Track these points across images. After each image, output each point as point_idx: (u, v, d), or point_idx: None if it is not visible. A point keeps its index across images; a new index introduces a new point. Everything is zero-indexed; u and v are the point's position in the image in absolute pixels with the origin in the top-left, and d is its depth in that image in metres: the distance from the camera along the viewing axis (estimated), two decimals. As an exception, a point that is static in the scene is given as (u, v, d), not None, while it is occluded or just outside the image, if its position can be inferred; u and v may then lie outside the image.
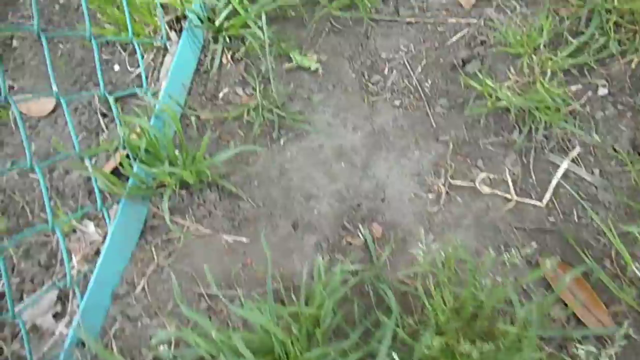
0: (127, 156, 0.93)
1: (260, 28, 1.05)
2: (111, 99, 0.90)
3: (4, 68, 1.33)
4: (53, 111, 1.19)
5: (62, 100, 0.80)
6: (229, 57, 1.16)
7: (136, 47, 0.98)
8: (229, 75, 1.13)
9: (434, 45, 1.11)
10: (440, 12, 1.15)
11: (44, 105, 1.21)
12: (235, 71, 1.14)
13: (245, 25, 1.09)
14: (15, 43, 1.39)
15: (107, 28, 1.09)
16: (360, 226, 0.90)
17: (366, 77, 1.09)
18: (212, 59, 1.15)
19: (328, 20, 1.17)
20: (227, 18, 1.11)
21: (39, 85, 1.26)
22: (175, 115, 0.89)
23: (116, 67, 1.21)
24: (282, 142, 1.02)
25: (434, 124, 1.00)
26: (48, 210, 0.72)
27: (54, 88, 0.79)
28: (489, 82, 0.97)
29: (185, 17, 1.13)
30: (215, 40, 1.16)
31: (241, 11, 1.05)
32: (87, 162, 0.81)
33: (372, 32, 1.15)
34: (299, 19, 1.18)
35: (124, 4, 0.93)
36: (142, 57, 1.09)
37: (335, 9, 1.15)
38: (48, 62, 0.78)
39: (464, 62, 1.05)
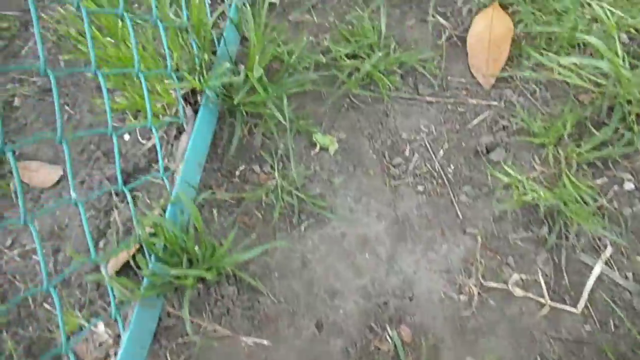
0: (140, 247, 0.84)
1: (281, 110, 0.99)
2: (128, 193, 0.82)
3: (4, 130, 1.23)
4: (58, 182, 1.10)
5: (79, 205, 0.71)
6: (245, 131, 1.09)
7: (155, 133, 0.91)
8: (245, 151, 1.07)
9: (455, 127, 1.06)
10: (460, 91, 1.11)
11: (48, 175, 1.11)
12: (253, 147, 1.07)
13: (264, 104, 1.03)
14: (17, 102, 1.30)
15: (120, 102, 1.01)
16: (388, 328, 0.83)
17: (387, 158, 1.03)
18: (228, 133, 1.08)
19: (347, 97, 1.12)
20: (247, 92, 1.05)
21: (42, 151, 1.17)
22: (196, 211, 0.82)
23: (126, 137, 1.13)
24: (302, 228, 0.95)
25: (459, 214, 0.94)
26: (63, 336, 0.63)
27: (73, 195, 0.71)
28: (514, 173, 0.93)
29: (200, 90, 1.06)
30: (231, 113, 1.10)
31: (260, 91, 0.99)
32: (102, 270, 0.73)
33: (391, 110, 1.10)
34: (317, 93, 1.13)
35: (145, 92, 0.86)
36: (159, 141, 1.02)
37: (354, 85, 1.10)
38: (69, 167, 0.70)
39: (488, 149, 1.00)
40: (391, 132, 1.07)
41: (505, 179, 0.93)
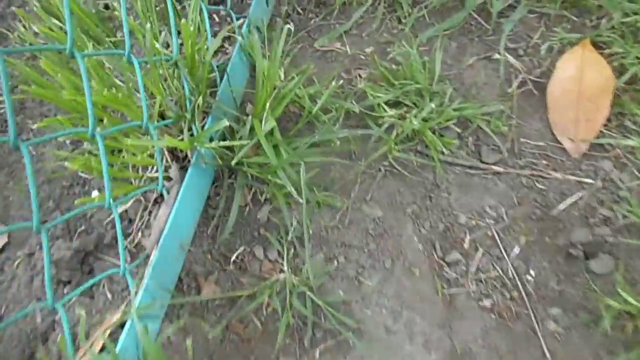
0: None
1: (295, 182, 0.72)
2: (62, 311, 0.55)
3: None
4: (1, 251, 0.85)
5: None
6: (248, 198, 0.82)
7: (115, 214, 0.64)
8: (247, 226, 0.80)
9: (534, 212, 0.77)
10: (539, 160, 0.82)
11: (-9, 241, 0.86)
12: (256, 221, 0.80)
13: (274, 171, 0.75)
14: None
15: (79, 158, 0.75)
16: None
17: (439, 251, 0.75)
18: (226, 198, 0.81)
19: (385, 159, 0.84)
20: (253, 147, 0.78)
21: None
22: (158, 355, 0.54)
23: (94, 193, 0.88)
24: (317, 354, 0.67)
25: (546, 351, 0.65)
26: None
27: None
28: (627, 296, 0.64)
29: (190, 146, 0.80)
30: (232, 171, 0.83)
31: (269, 154, 0.72)
32: None
33: (444, 181, 0.82)
34: (346, 151, 0.85)
35: (102, 159, 0.59)
36: (123, 232, 0.76)
37: (395, 145, 0.82)
38: None
39: (586, 254, 0.71)
40: (444, 212, 0.79)
41: (616, 305, 0.64)
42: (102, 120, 0.74)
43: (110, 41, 0.85)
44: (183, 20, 0.66)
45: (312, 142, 0.77)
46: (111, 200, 0.61)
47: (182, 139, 0.77)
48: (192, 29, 0.70)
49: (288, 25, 0.78)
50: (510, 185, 0.80)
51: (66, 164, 0.64)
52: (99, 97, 0.66)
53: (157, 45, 0.73)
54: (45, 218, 0.87)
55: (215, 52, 1.00)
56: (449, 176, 0.82)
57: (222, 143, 0.67)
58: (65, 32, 0.77)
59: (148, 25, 0.67)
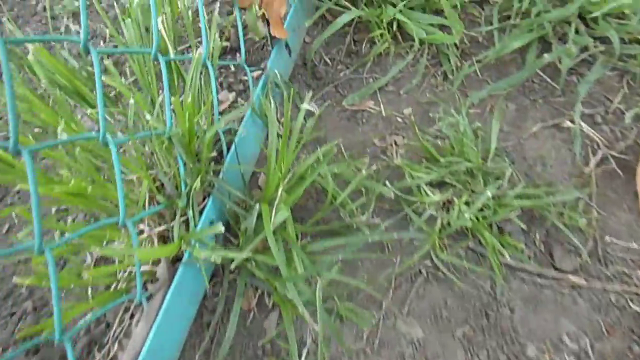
0: None
1: (307, 296, 0.56)
2: None
3: None
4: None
5: None
6: (253, 302, 0.66)
7: (68, 350, 0.49)
8: (249, 340, 0.63)
9: (631, 347, 0.58)
10: (632, 269, 0.63)
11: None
12: (262, 333, 0.63)
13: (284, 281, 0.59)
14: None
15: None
16: None
17: (500, 397, 0.56)
18: (226, 299, 0.65)
19: (427, 259, 0.66)
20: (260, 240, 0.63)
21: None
22: None
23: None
24: None
25: None
26: None
27: None
28: None
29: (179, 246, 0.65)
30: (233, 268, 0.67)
31: (278, 262, 0.56)
32: None
33: (505, 293, 0.63)
34: (377, 245, 0.68)
35: (51, 278, 0.45)
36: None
37: (440, 241, 0.65)
38: None
39: None
40: (506, 338, 0.60)
41: None
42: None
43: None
44: (173, 98, 0.52)
45: (335, 246, 0.61)
46: (62, 332, 0.46)
47: (172, 226, 0.62)
48: (189, 100, 0.56)
49: (308, 107, 0.63)
50: (595, 305, 0.61)
51: (14, 278, 0.50)
52: (64, 186, 0.52)
53: (148, 117, 0.59)
54: (16, 309, 0.74)
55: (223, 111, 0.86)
56: (511, 285, 0.64)
57: (215, 255, 0.52)
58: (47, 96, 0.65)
59: (131, 101, 0.53)
